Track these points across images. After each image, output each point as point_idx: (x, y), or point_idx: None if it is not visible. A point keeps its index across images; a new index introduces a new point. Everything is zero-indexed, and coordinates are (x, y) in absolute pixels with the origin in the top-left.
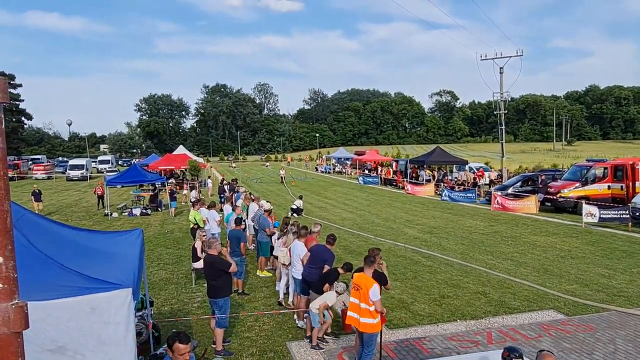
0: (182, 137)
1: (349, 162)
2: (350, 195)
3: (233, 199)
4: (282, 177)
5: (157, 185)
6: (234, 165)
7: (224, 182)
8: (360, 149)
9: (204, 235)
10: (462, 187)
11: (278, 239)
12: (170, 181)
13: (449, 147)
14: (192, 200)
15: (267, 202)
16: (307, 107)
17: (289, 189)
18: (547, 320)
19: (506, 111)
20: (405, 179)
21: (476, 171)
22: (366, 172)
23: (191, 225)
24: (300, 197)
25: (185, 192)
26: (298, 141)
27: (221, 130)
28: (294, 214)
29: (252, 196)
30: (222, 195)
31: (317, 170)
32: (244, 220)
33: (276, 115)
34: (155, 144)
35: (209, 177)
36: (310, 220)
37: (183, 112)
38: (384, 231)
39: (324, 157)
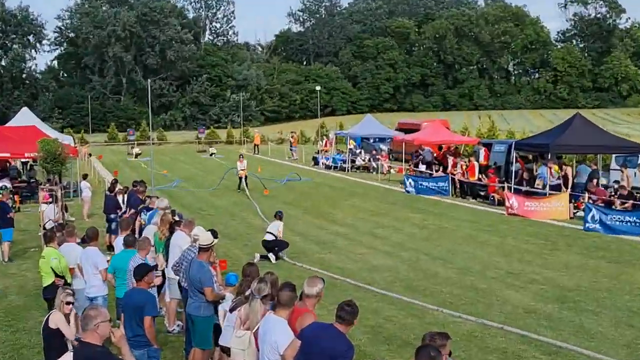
0: (27, 90)
1: (384, 147)
2: (387, 218)
3: (137, 224)
4: (241, 177)
5: None
6: (138, 151)
7: (117, 186)
8: (410, 118)
9: (70, 304)
10: (628, 203)
11: (232, 310)
12: (2, 184)
13: (601, 114)
14: (48, 226)
15: (212, 230)
16: (297, 28)
17: (256, 204)
18: None
19: None
20: (505, 184)
21: None
22: (422, 167)
23: (45, 282)
24: (279, 216)
25: (42, 208)
26: (277, 100)
27: (112, 77)
28: (268, 257)
29: (177, 217)
30: (112, 216)
31: (316, 162)
32: (159, 270)
33: (232, 45)
34: None
35: (85, 178)
36: (302, 272)
37: (29, 38)
38: (460, 296)
39: (331, 134)
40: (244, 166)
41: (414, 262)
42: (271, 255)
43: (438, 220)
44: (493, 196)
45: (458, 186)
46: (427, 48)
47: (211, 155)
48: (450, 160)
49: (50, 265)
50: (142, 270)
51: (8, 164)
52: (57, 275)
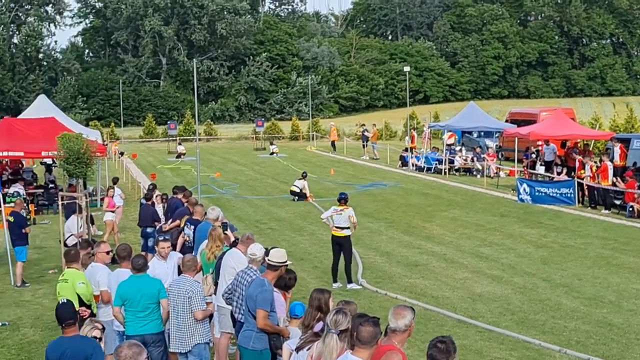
0: (45, 73)
1: (491, 143)
2: (495, 234)
3: (180, 240)
4: (298, 190)
5: None
6: (182, 150)
7: (155, 193)
8: (525, 106)
9: (96, 340)
10: None
11: (299, 349)
12: (14, 190)
13: None
14: (70, 242)
15: (275, 248)
16: None
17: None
18: None
19: None
20: None
21: None
22: (539, 167)
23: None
24: (304, 176)
25: (108, 217)
26: (355, 85)
27: (149, 57)
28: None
29: (228, 232)
30: (149, 230)
31: (404, 163)
32: (207, 296)
33: (299, 16)
34: None
35: (116, 183)
36: (387, 302)
37: (47, 9)
38: (589, 333)
39: (426, 128)
40: (301, 186)
41: (530, 290)
42: (353, 285)
43: (560, 237)
44: (632, 206)
45: (586, 193)
46: (547, 17)
47: (272, 154)
48: (577, 158)
49: (77, 291)
50: (69, 312)
51: (18, 164)
52: (82, 304)
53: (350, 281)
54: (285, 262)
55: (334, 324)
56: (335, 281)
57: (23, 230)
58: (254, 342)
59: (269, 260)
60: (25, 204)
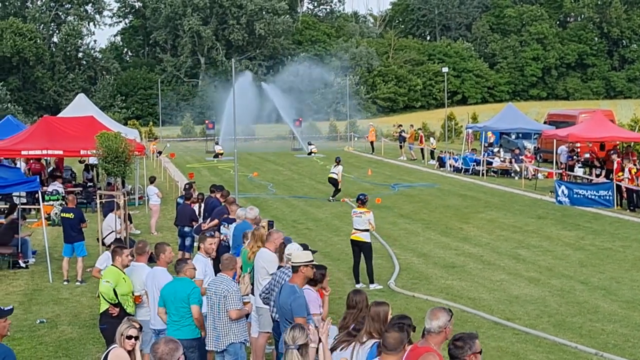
0: (84, 72)
1: (529, 145)
2: (533, 236)
3: (215, 241)
4: (336, 176)
5: (16, 201)
6: (220, 149)
7: (193, 193)
8: (563, 107)
9: (132, 338)
10: None
11: (332, 350)
12: (53, 188)
13: None
14: (108, 240)
15: (303, 245)
16: None
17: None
18: None
19: None
20: None
21: None
22: (577, 169)
23: (102, 309)
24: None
25: (118, 217)
26: (393, 85)
27: (187, 56)
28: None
29: (268, 229)
30: (186, 230)
31: (441, 164)
32: (244, 295)
33: (337, 16)
34: (14, 93)
35: (153, 182)
36: (423, 304)
37: (87, 8)
38: (627, 336)
39: (466, 130)
40: (338, 171)
41: (567, 293)
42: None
43: (599, 240)
44: None
45: (625, 195)
46: (587, 19)
47: (309, 154)
48: (615, 159)
49: (99, 289)
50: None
51: (58, 164)
52: (111, 304)
53: (372, 281)
54: (305, 262)
55: (291, 340)
56: (357, 282)
57: (82, 225)
58: None
59: (292, 263)
60: (63, 202)
